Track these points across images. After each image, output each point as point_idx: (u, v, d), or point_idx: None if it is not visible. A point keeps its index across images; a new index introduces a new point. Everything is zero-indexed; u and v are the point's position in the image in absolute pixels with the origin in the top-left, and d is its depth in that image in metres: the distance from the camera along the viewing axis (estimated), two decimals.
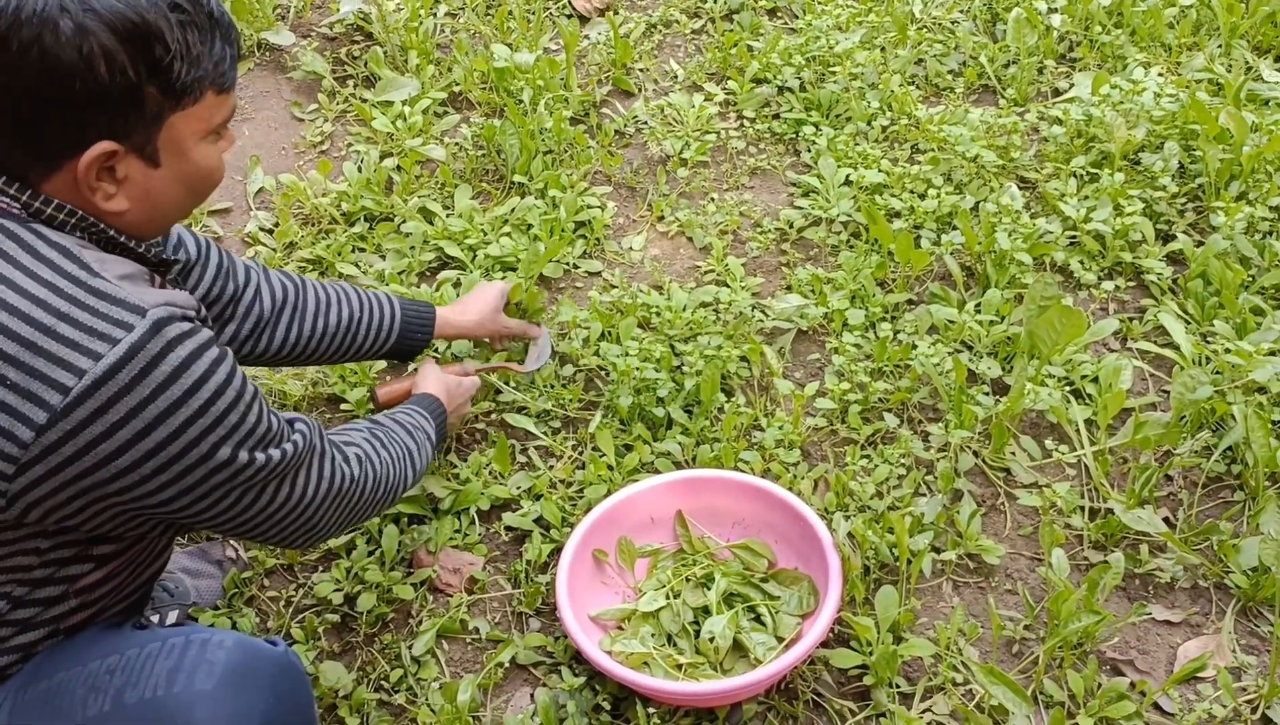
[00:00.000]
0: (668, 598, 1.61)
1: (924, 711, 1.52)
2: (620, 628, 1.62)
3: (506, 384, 1.98)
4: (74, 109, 1.02)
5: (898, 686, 1.55)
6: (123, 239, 1.13)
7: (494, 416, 1.97)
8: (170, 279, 1.31)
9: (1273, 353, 1.81)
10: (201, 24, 1.08)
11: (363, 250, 2.32)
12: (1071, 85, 2.57)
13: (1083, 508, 1.76)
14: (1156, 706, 1.52)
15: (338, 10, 2.87)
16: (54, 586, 1.15)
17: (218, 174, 1.18)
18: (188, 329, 1.07)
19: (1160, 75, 2.50)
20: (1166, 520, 1.74)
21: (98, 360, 1.00)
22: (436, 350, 2.02)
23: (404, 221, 2.34)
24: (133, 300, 1.04)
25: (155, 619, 1.58)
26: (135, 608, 1.29)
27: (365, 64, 2.75)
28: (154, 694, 1.07)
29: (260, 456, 1.15)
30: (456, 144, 2.56)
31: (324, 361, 1.74)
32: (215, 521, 1.18)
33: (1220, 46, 2.63)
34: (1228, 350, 1.84)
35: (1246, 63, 2.58)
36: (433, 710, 1.53)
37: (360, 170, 2.47)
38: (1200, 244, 2.12)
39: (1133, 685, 1.53)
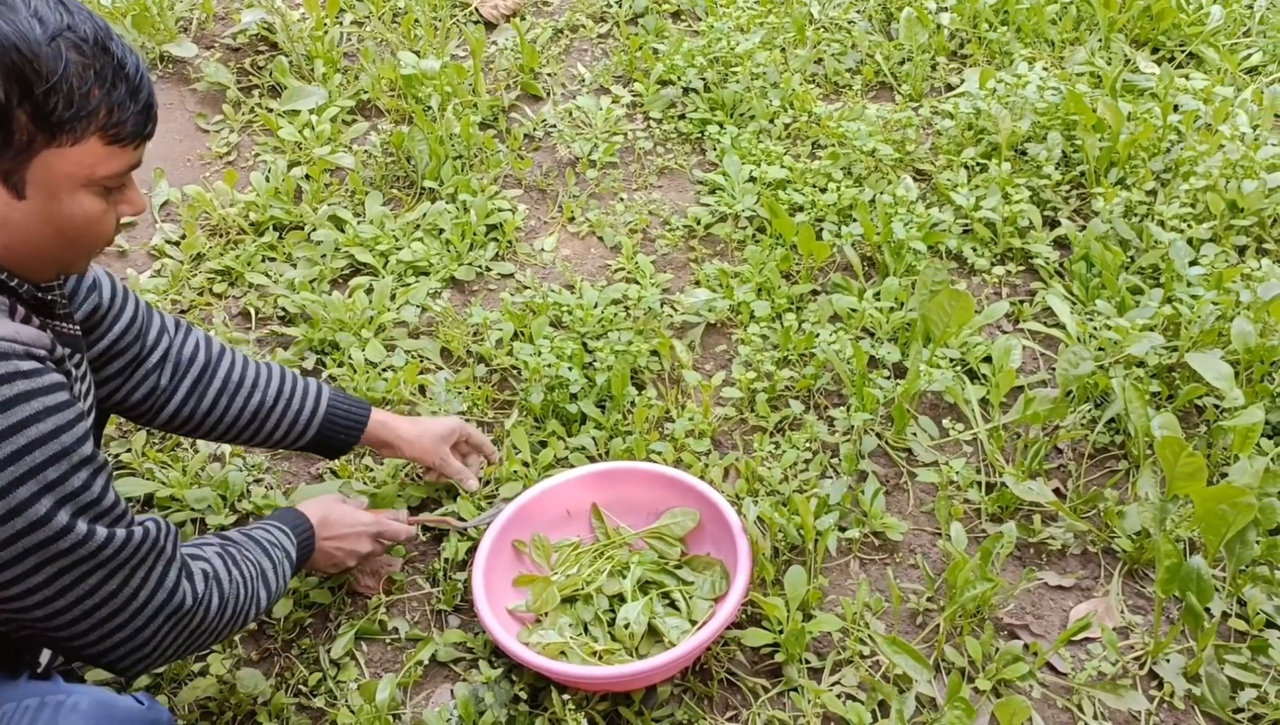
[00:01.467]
0: (583, 586, 1.65)
1: (834, 684, 1.58)
2: (538, 620, 1.65)
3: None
4: None
5: (808, 662, 1.61)
6: (1, 274, 1.07)
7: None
8: (65, 316, 1.22)
9: (1149, 328, 1.91)
10: (103, 71, 1.03)
11: (273, 259, 2.32)
12: (962, 80, 2.67)
13: (979, 482, 1.84)
14: (1050, 667, 1.60)
15: (240, 21, 2.85)
16: None
17: (97, 227, 1.11)
18: (23, 369, 1.01)
19: (1044, 69, 2.61)
20: (1056, 491, 1.82)
21: None
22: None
23: (314, 230, 2.34)
24: None
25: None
26: (22, 654, 1.21)
27: (270, 74, 2.74)
28: None
29: (85, 527, 1.05)
30: (366, 151, 2.56)
31: (232, 442, 1.62)
32: (25, 604, 1.06)
33: (1100, 41, 2.75)
34: (1108, 327, 1.93)
35: (1125, 55, 2.71)
36: (352, 711, 1.55)
37: (268, 180, 2.47)
38: (1083, 228, 2.22)
39: (1027, 648, 1.61)
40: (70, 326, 1.22)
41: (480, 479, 1.82)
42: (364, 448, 1.79)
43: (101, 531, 1.08)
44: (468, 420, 1.98)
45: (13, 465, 1.00)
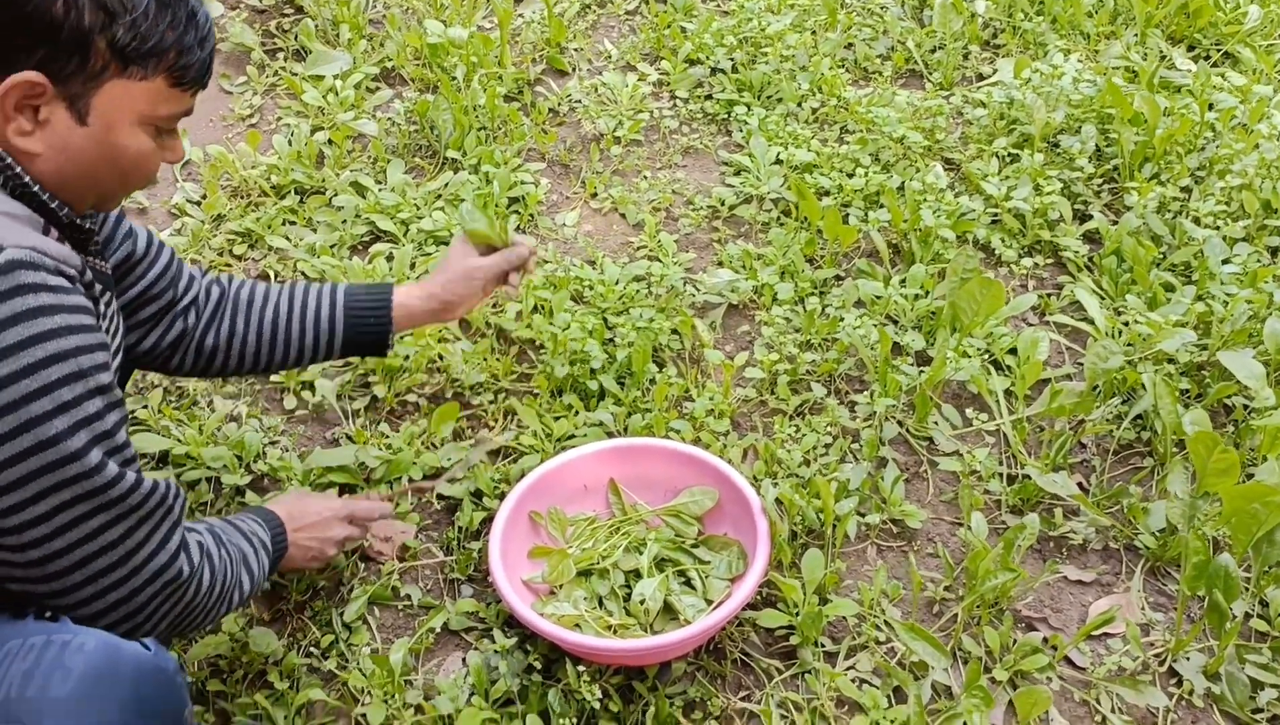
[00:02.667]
0: (599, 560, 1.63)
1: (848, 669, 1.56)
2: (552, 593, 1.63)
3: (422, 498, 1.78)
4: (17, 29, 1.01)
5: (823, 646, 1.59)
6: (34, 187, 1.08)
7: (426, 389, 1.97)
8: (97, 253, 1.23)
9: (1181, 325, 1.88)
10: (178, 15, 1.10)
11: (293, 223, 2.30)
12: (995, 70, 2.64)
13: (1001, 473, 1.82)
14: (1068, 661, 1.58)
15: None
16: None
17: (145, 165, 1.15)
18: (49, 283, 1.00)
19: (1079, 61, 2.58)
20: (1080, 485, 1.80)
21: None
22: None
23: (336, 195, 2.32)
24: None
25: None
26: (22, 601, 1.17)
27: (296, 37, 2.72)
28: (6, 694, 1.01)
29: (98, 457, 1.03)
30: (389, 119, 2.54)
31: (267, 367, 1.58)
32: (23, 540, 1.03)
33: (1136, 36, 2.72)
34: (1139, 322, 1.91)
35: (1161, 51, 2.67)
36: (364, 674, 1.53)
37: (290, 143, 2.45)
38: (1115, 223, 2.20)
39: (1046, 640, 1.59)
40: (102, 264, 1.22)
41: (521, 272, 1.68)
42: (407, 332, 1.74)
43: (113, 467, 1.05)
44: (485, 394, 1.96)
45: (28, 378, 0.98)
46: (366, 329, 1.58)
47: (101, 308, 1.16)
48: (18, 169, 1.07)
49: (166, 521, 1.13)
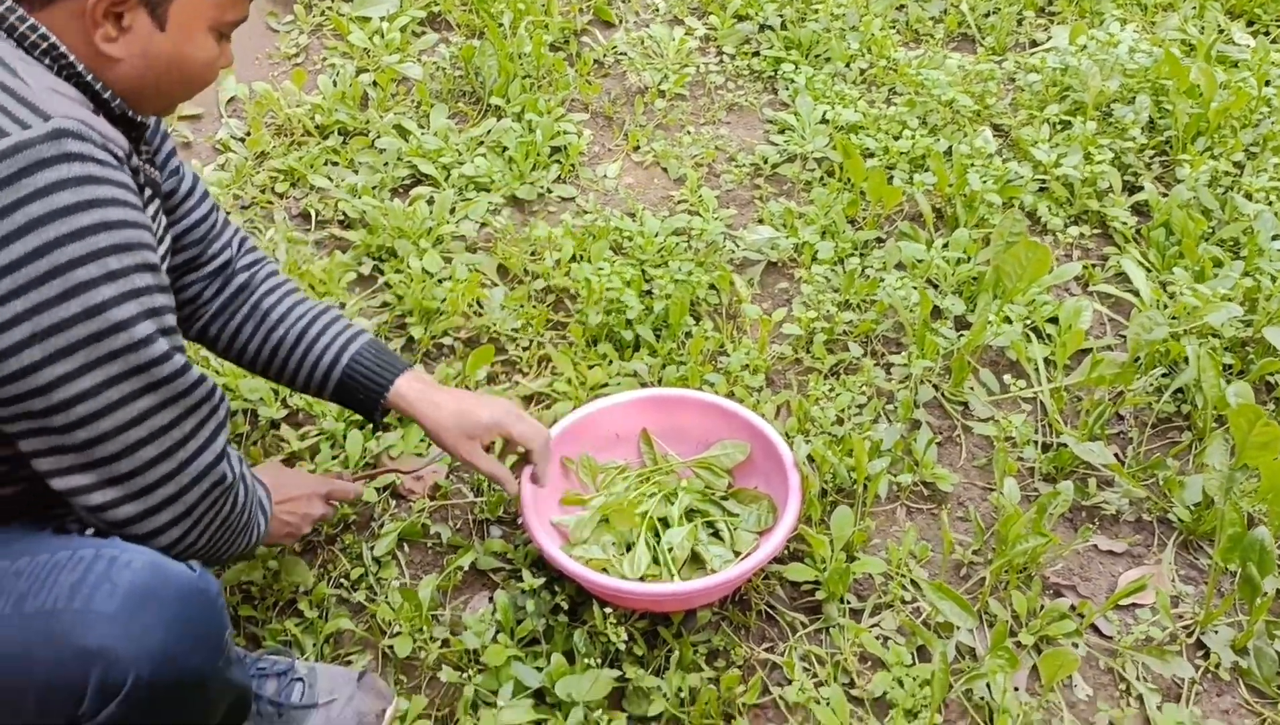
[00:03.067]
0: (628, 507, 1.64)
1: (873, 625, 1.56)
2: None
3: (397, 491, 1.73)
4: None
5: (848, 602, 1.59)
6: (87, 76, 1.07)
7: (462, 332, 1.98)
8: (148, 159, 1.23)
9: (1228, 299, 1.85)
10: None
11: (335, 163, 2.30)
12: (1049, 37, 2.59)
13: (1036, 441, 1.80)
14: (1095, 629, 1.57)
15: None
16: None
17: (210, 72, 1.16)
18: (96, 155, 0.98)
19: (1135, 32, 2.53)
20: (1116, 456, 1.79)
21: None
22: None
23: (379, 137, 2.32)
24: (42, 105, 0.98)
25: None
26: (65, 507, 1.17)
27: None
28: (53, 605, 1.02)
29: (148, 329, 1.00)
30: (434, 63, 2.54)
31: (262, 376, 1.51)
32: (67, 418, 1.00)
33: (1194, 9, 2.66)
34: (1185, 294, 1.88)
35: (1219, 25, 2.61)
36: (392, 607, 1.55)
37: (335, 84, 2.45)
38: (1165, 195, 2.16)
39: (1073, 607, 1.58)
40: (152, 170, 1.22)
41: (533, 480, 1.55)
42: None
43: (163, 344, 1.02)
44: (521, 340, 1.96)
45: (75, 242, 0.95)
46: (355, 397, 1.47)
47: (149, 209, 1.16)
48: (70, 56, 1.06)
49: (213, 419, 1.10)
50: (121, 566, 1.04)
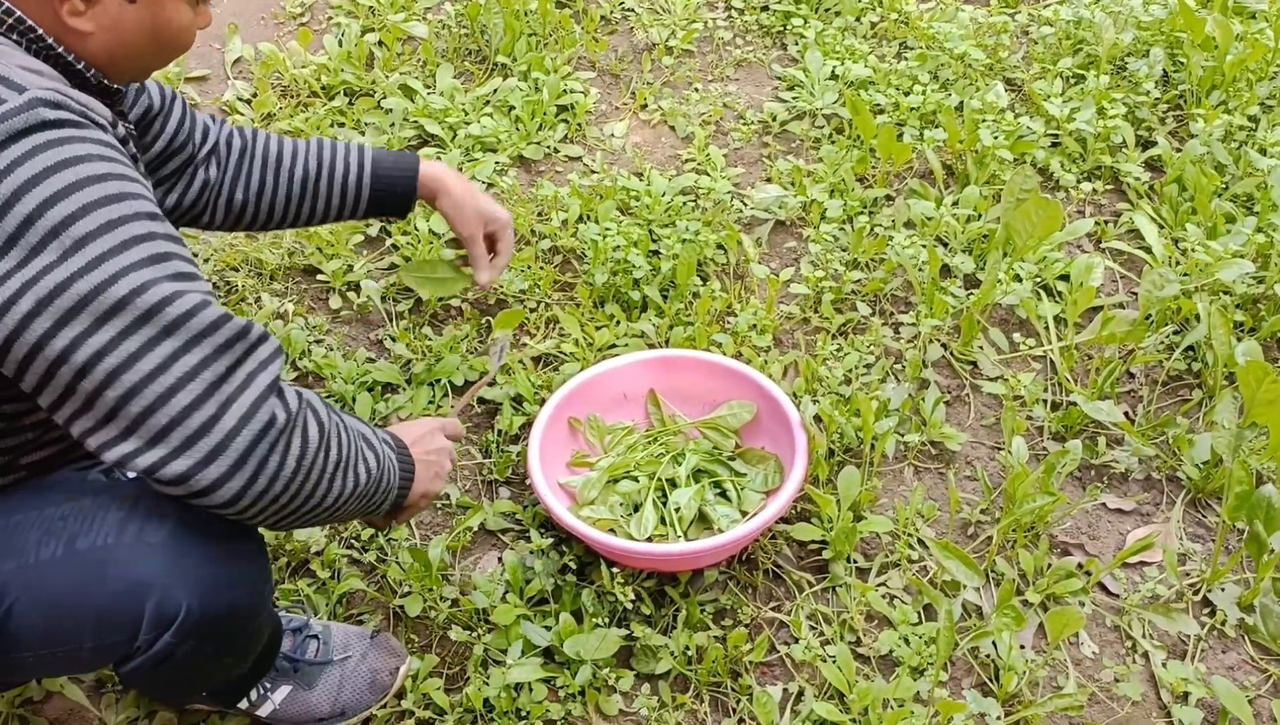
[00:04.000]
0: (635, 467, 1.64)
1: (879, 584, 1.57)
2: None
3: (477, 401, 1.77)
4: None
5: (855, 562, 1.60)
6: (59, 49, 1.07)
7: (469, 294, 1.98)
8: (123, 117, 1.22)
9: (1240, 256, 1.83)
10: None
11: (342, 124, 2.29)
12: None
13: (1045, 400, 1.80)
14: (1102, 587, 1.58)
15: None
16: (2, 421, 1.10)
17: (185, 37, 1.15)
18: (75, 120, 0.98)
19: None
20: (1126, 414, 1.78)
21: None
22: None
23: (385, 97, 2.31)
24: (16, 80, 0.97)
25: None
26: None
27: None
28: (104, 542, 1.04)
29: (151, 274, 0.96)
30: (440, 22, 2.51)
31: (293, 223, 1.55)
32: (94, 382, 0.96)
33: None
34: (1197, 251, 1.86)
35: None
36: (402, 568, 1.57)
37: (341, 44, 2.43)
38: (1179, 150, 2.13)
39: (1080, 566, 1.59)
40: (129, 126, 1.22)
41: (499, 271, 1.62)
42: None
43: (168, 286, 0.96)
44: (528, 301, 1.97)
45: (65, 200, 0.94)
46: (392, 190, 1.55)
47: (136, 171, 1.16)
48: (42, 35, 1.05)
49: (251, 358, 1.00)
50: (167, 501, 1.04)
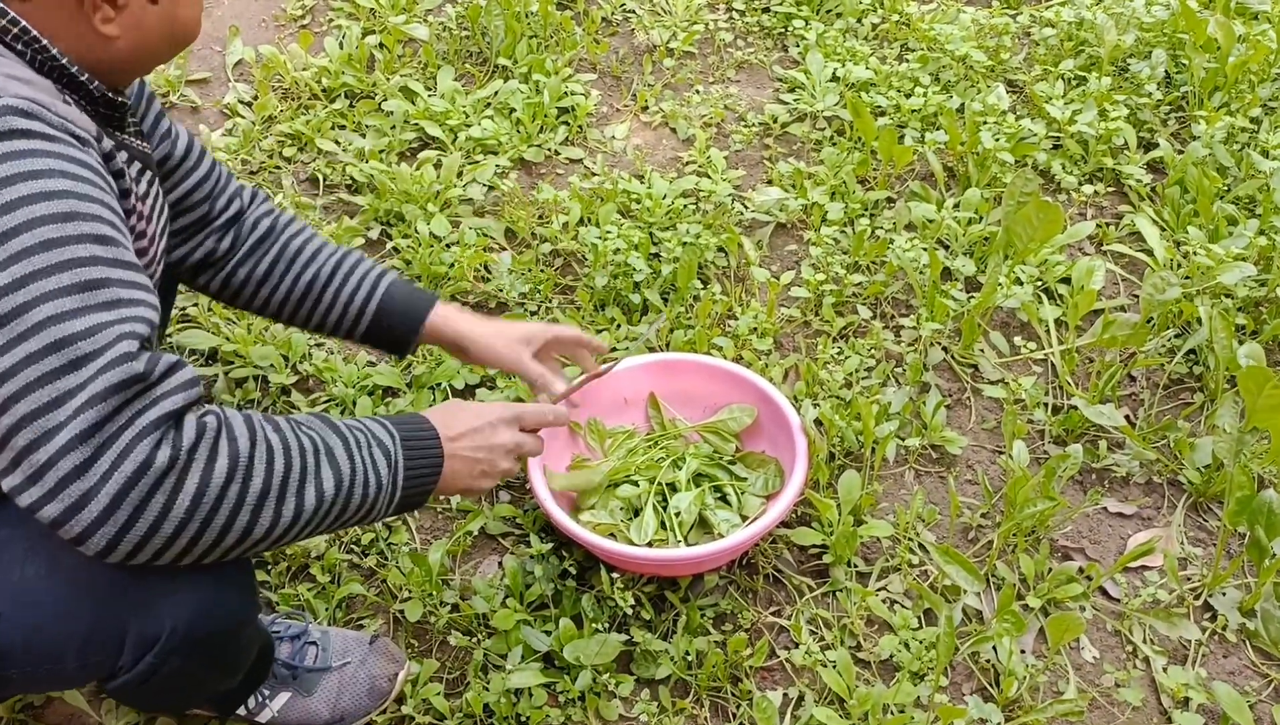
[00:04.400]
0: (636, 471, 1.64)
1: (880, 589, 1.57)
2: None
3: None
4: None
5: (855, 566, 1.60)
6: (63, 60, 1.06)
7: (471, 297, 1.98)
8: (135, 131, 1.23)
9: (1242, 258, 1.83)
10: None
11: (343, 127, 2.29)
12: None
13: (1046, 403, 1.79)
14: (1103, 591, 1.58)
15: None
16: None
17: (195, 29, 1.17)
18: (47, 131, 0.96)
19: None
20: (1127, 418, 1.78)
21: None
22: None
23: (385, 99, 2.31)
24: None
25: None
26: None
27: None
28: (88, 561, 0.95)
29: (72, 303, 0.92)
30: (441, 24, 2.51)
31: (287, 321, 1.49)
32: None
33: None
34: (1199, 254, 1.86)
35: None
36: (402, 572, 1.57)
37: (341, 46, 2.43)
38: (1180, 152, 2.13)
39: (1081, 570, 1.58)
40: (140, 143, 1.22)
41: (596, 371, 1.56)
42: (432, 347, 1.66)
43: (83, 320, 0.92)
44: (529, 305, 1.96)
45: (9, 214, 0.92)
46: (392, 324, 1.46)
47: (138, 187, 1.16)
48: (43, 42, 1.04)
49: (143, 397, 0.93)
50: None
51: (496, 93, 2.34)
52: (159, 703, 1.27)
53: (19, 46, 1.04)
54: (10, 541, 1.08)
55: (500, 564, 1.60)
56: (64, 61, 1.07)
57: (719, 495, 1.64)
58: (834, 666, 1.46)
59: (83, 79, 1.09)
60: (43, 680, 1.10)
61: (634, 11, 2.57)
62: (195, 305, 1.93)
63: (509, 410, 1.27)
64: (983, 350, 1.87)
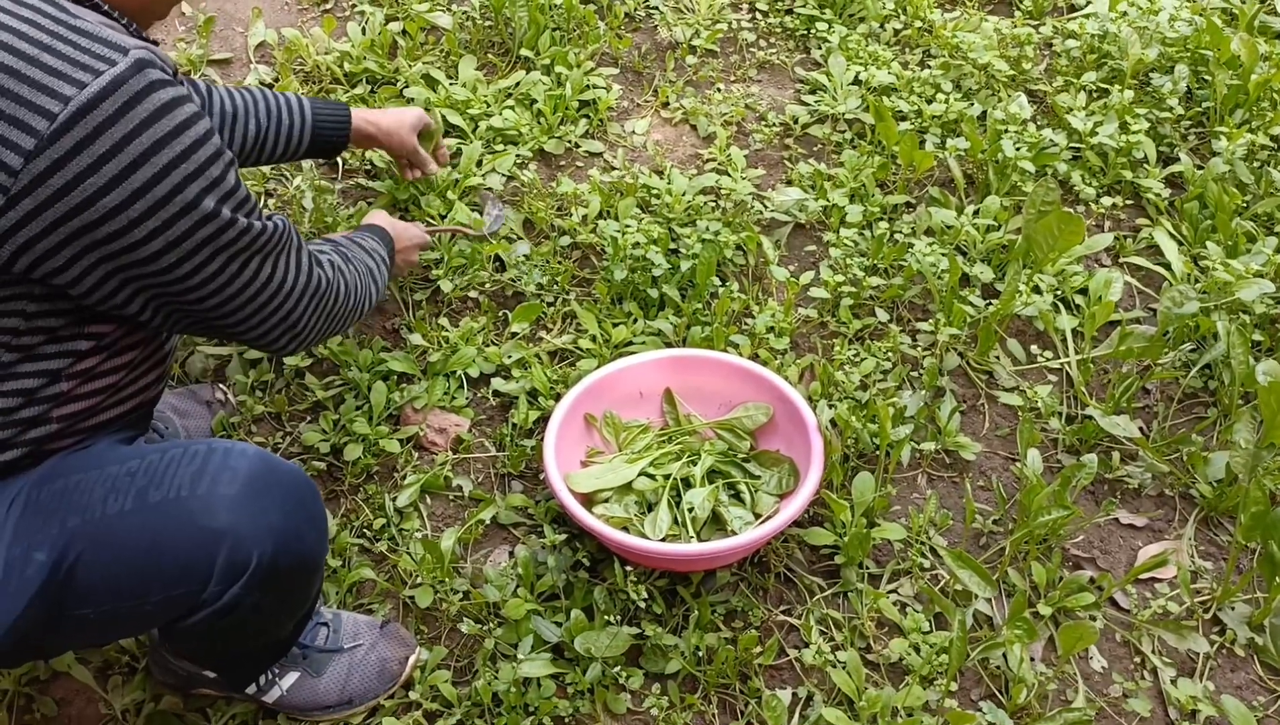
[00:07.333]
0: (652, 467, 1.64)
1: (891, 591, 1.57)
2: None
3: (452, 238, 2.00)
4: None
5: (867, 568, 1.60)
6: (114, 13, 1.14)
7: (488, 286, 1.98)
8: None
9: (1260, 275, 1.83)
10: None
11: None
12: (1088, 2, 2.54)
13: (1060, 413, 1.79)
14: (1113, 602, 1.58)
15: None
16: (44, 362, 1.12)
17: None
18: (170, 79, 1.07)
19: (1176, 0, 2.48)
20: (1141, 430, 1.78)
21: (82, 88, 1.00)
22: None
23: (407, 86, 2.31)
24: (115, 40, 1.04)
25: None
26: (136, 425, 1.28)
27: None
28: (177, 494, 1.09)
29: (243, 219, 1.15)
30: (464, 13, 2.51)
31: (248, 164, 1.76)
32: (200, 293, 1.15)
33: None
34: (1217, 269, 1.86)
35: None
36: (414, 559, 1.57)
37: (364, 32, 2.43)
38: (1200, 167, 2.13)
39: (1093, 580, 1.59)
40: None
41: (444, 164, 2.01)
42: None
43: (254, 223, 1.16)
44: (546, 296, 1.96)
45: (185, 162, 1.06)
46: (328, 142, 1.79)
47: None
48: (104, 4, 1.13)
49: (292, 249, 1.25)
50: (238, 455, 1.12)
51: (518, 83, 2.34)
52: (217, 647, 1.27)
53: None
54: (86, 484, 1.12)
55: (512, 553, 1.60)
56: (105, 7, 1.13)
57: (733, 492, 1.64)
58: (844, 667, 1.46)
59: (123, 22, 1.15)
60: (122, 619, 1.13)
61: (657, 8, 2.57)
62: None
63: (421, 237, 1.81)
64: (999, 357, 1.87)
